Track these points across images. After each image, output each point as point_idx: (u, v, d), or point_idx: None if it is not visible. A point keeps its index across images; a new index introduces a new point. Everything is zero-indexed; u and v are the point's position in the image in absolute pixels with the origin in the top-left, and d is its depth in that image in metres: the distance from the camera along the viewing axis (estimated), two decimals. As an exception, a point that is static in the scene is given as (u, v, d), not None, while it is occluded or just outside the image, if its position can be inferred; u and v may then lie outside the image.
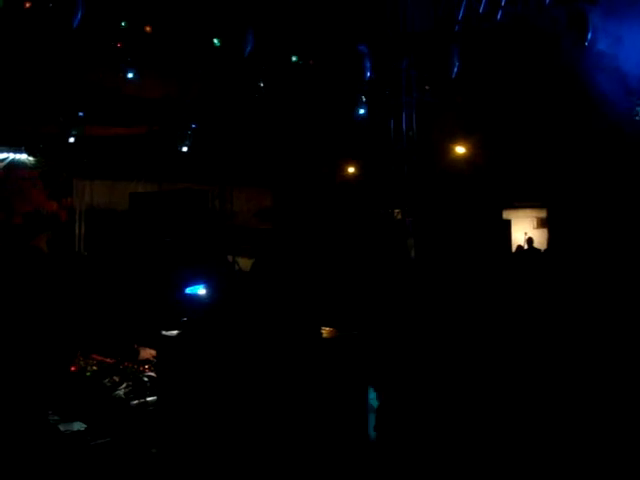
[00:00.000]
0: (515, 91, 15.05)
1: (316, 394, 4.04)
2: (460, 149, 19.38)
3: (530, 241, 17.12)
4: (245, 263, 17.38)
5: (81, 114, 15.38)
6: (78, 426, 4.70)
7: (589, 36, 10.88)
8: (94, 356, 5.57)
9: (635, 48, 11.20)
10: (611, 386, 5.97)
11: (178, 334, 4.48)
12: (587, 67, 12.11)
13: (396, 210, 15.98)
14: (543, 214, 19.30)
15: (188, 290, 8.75)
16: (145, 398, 4.84)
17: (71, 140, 15.65)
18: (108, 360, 5.49)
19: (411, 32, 14.43)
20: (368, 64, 14.05)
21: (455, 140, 19.13)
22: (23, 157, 16.95)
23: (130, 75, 12.88)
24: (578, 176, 14.86)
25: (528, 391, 6.22)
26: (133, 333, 5.97)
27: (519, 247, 17.89)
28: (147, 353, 5.21)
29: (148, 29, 12.17)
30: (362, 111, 16.19)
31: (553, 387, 6.28)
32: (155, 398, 4.74)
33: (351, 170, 20.90)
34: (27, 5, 10.82)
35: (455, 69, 14.56)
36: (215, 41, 12.37)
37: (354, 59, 13.80)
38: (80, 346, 5.19)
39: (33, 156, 17.00)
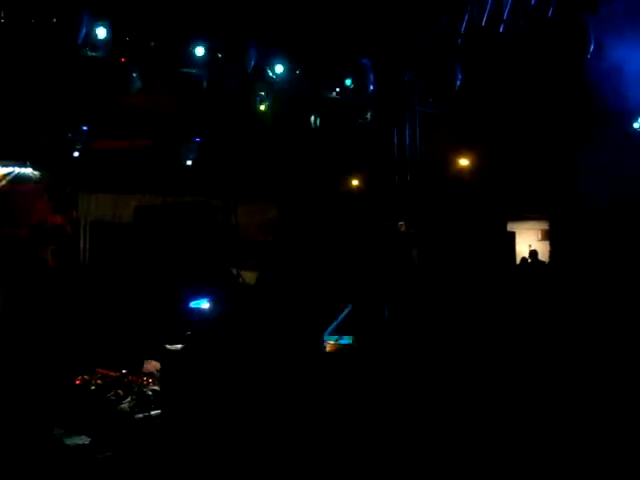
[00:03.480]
0: (519, 103, 15.07)
1: (318, 406, 4.04)
2: (464, 161, 19.40)
3: (534, 253, 17.08)
4: (250, 276, 17.41)
5: (85, 128, 15.45)
6: (82, 439, 4.70)
7: (591, 48, 10.89)
8: (99, 370, 5.57)
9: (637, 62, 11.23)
10: (611, 391, 6.00)
11: (182, 348, 4.48)
12: (591, 80, 12.13)
13: (400, 222, 15.98)
14: (547, 226, 19.27)
15: (192, 304, 8.78)
16: (149, 412, 4.84)
17: (76, 154, 15.71)
18: (112, 373, 5.49)
19: (414, 44, 14.47)
20: (371, 76, 14.08)
21: (459, 152, 19.15)
22: (28, 171, 17.03)
23: (134, 88, 12.92)
24: (580, 189, 14.86)
25: (530, 397, 6.24)
26: (137, 346, 5.97)
27: (523, 259, 17.85)
28: (151, 366, 5.21)
29: (152, 43, 12.22)
30: (365, 123, 16.23)
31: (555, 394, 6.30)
32: (159, 412, 4.74)
33: (355, 182, 20.94)
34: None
35: (458, 81, 14.59)
36: (219, 55, 12.40)
37: (357, 71, 13.83)
38: (84, 359, 5.20)
39: (38, 170, 17.07)
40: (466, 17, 13.10)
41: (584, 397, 6.28)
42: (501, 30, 12.69)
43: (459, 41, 13.54)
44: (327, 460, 4.18)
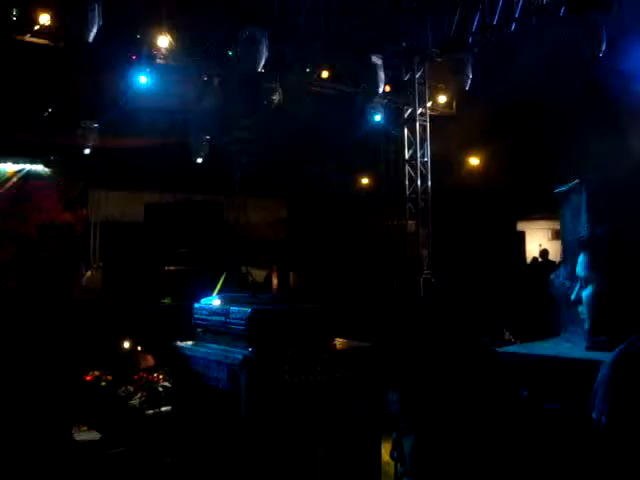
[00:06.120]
0: (529, 103, 15.04)
1: (332, 404, 4.03)
2: (474, 161, 19.36)
3: (545, 253, 16.98)
4: (259, 274, 17.40)
5: (96, 125, 15.50)
6: (93, 435, 4.71)
7: (603, 46, 10.85)
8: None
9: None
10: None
11: (194, 344, 4.48)
12: (603, 78, 12.09)
13: (410, 222, 15.97)
14: (557, 226, 19.19)
15: (202, 301, 8.76)
16: (159, 408, 4.85)
17: (87, 151, 15.76)
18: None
19: (425, 44, 14.46)
20: (382, 76, 14.08)
21: (469, 152, 19.11)
22: (39, 168, 17.07)
23: (145, 87, 12.95)
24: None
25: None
26: (149, 343, 5.96)
27: (534, 259, 17.77)
28: (147, 362, 5.18)
29: (163, 41, 12.26)
30: (376, 122, 16.25)
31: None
32: (169, 408, 4.74)
33: (365, 181, 20.92)
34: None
35: (469, 81, 14.56)
36: (230, 53, 12.43)
37: (368, 71, 13.83)
38: (91, 356, 5.18)
39: (49, 167, 17.11)
40: (477, 15, 13.08)
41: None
42: (512, 28, 12.66)
43: (470, 40, 13.54)
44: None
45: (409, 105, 15.89)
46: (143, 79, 12.66)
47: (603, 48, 10.90)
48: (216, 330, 4.46)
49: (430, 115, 16.18)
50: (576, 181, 7.50)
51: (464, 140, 17.99)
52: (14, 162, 16.71)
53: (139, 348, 5.71)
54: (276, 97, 13.72)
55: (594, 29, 10.84)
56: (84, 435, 4.78)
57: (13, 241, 16.47)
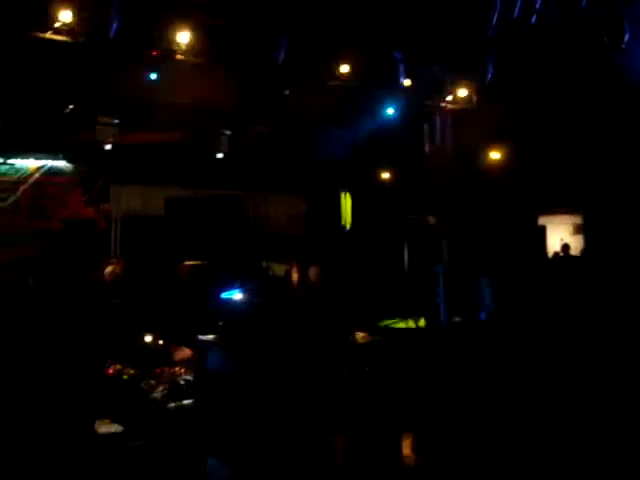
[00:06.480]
0: (550, 95, 14.93)
1: (351, 397, 4.04)
2: (495, 154, 19.25)
3: (566, 247, 16.84)
4: (279, 269, 17.43)
5: (117, 121, 15.59)
6: (115, 428, 4.75)
7: (626, 38, 10.73)
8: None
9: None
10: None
11: (215, 338, 4.50)
12: (625, 69, 11.97)
13: (430, 216, 15.92)
14: (580, 220, 19.04)
15: (224, 295, 8.82)
16: (181, 401, 4.87)
17: (108, 147, 15.86)
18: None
19: (445, 37, 14.38)
20: (402, 69, 14.03)
21: (490, 145, 19.00)
22: (61, 164, 17.21)
23: (164, 82, 12.99)
24: (615, 181, 14.67)
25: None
26: (167, 335, 5.99)
27: (556, 254, 17.65)
28: (184, 353, 5.19)
29: (182, 37, 12.27)
30: (395, 116, 16.23)
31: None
32: (191, 401, 4.76)
33: (385, 176, 20.86)
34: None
35: (489, 74, 14.48)
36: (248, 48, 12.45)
37: (388, 64, 13.79)
38: (116, 349, 5.22)
39: (71, 163, 17.25)
40: (497, 8, 12.98)
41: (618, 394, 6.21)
42: (533, 21, 12.55)
43: (490, 32, 13.44)
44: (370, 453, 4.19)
45: (429, 99, 15.82)
46: (153, 75, 12.69)
47: (626, 40, 10.79)
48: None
49: (450, 109, 16.11)
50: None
51: (485, 133, 17.90)
52: (36, 158, 16.87)
53: (160, 342, 5.73)
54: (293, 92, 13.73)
55: (616, 21, 10.72)
56: (107, 427, 4.83)
57: (36, 237, 16.62)
